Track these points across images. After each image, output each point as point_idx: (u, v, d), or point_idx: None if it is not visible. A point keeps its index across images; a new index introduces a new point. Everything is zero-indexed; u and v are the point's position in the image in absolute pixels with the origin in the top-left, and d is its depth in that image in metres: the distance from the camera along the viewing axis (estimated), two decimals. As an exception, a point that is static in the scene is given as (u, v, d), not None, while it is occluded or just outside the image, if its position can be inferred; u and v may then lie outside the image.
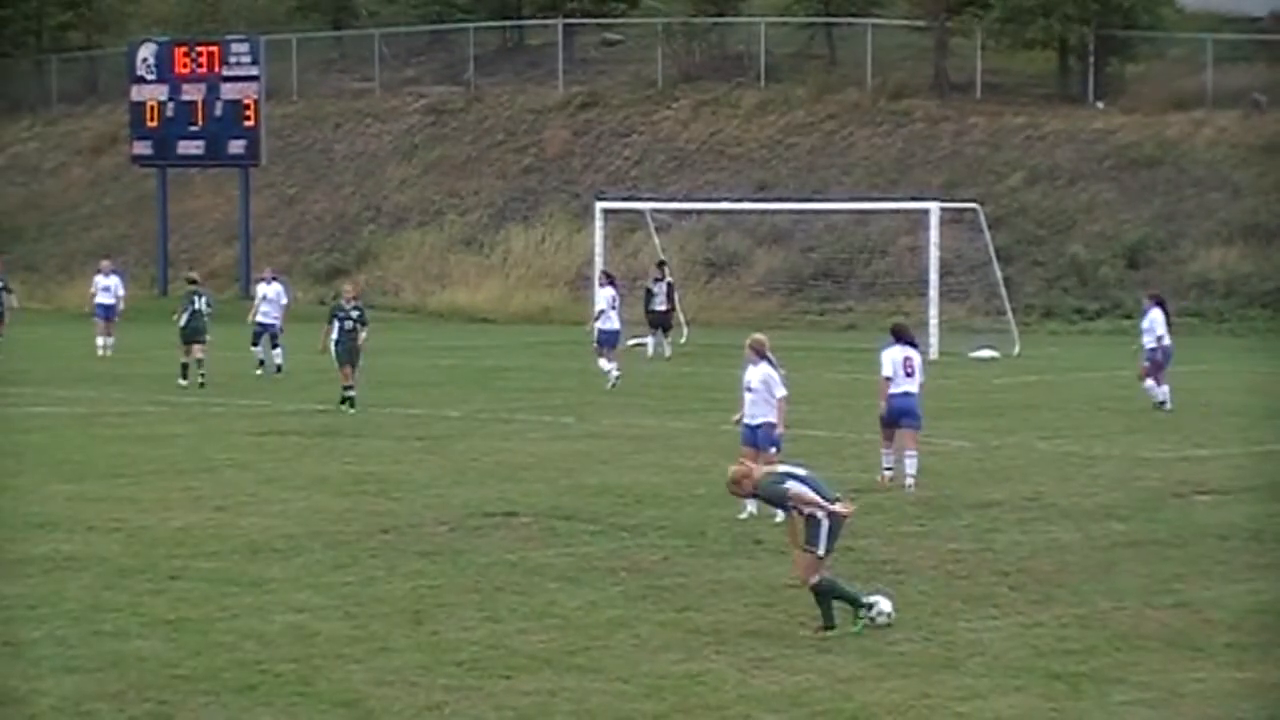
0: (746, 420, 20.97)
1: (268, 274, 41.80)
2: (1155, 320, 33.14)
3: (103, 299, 44.36)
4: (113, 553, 18.65)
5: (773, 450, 20.74)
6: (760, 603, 16.37)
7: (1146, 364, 33.00)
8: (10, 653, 14.52)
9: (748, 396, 20.95)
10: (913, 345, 23.87)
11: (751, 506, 20.79)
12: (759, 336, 21.49)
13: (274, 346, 39.52)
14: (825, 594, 15.26)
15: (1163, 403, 32.43)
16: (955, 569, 17.93)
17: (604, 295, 37.58)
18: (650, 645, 14.81)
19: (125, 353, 43.93)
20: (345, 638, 14.93)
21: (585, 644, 14.83)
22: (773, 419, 20.86)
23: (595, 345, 37.30)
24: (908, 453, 23.22)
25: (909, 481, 22.99)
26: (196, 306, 37.70)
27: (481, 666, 14.11)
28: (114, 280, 44.65)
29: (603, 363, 36.35)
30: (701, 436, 28.25)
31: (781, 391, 20.89)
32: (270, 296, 39.96)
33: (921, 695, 13.46)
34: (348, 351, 32.35)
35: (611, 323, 37.06)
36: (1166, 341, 33.09)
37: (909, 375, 23.35)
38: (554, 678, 13.86)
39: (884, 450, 23.72)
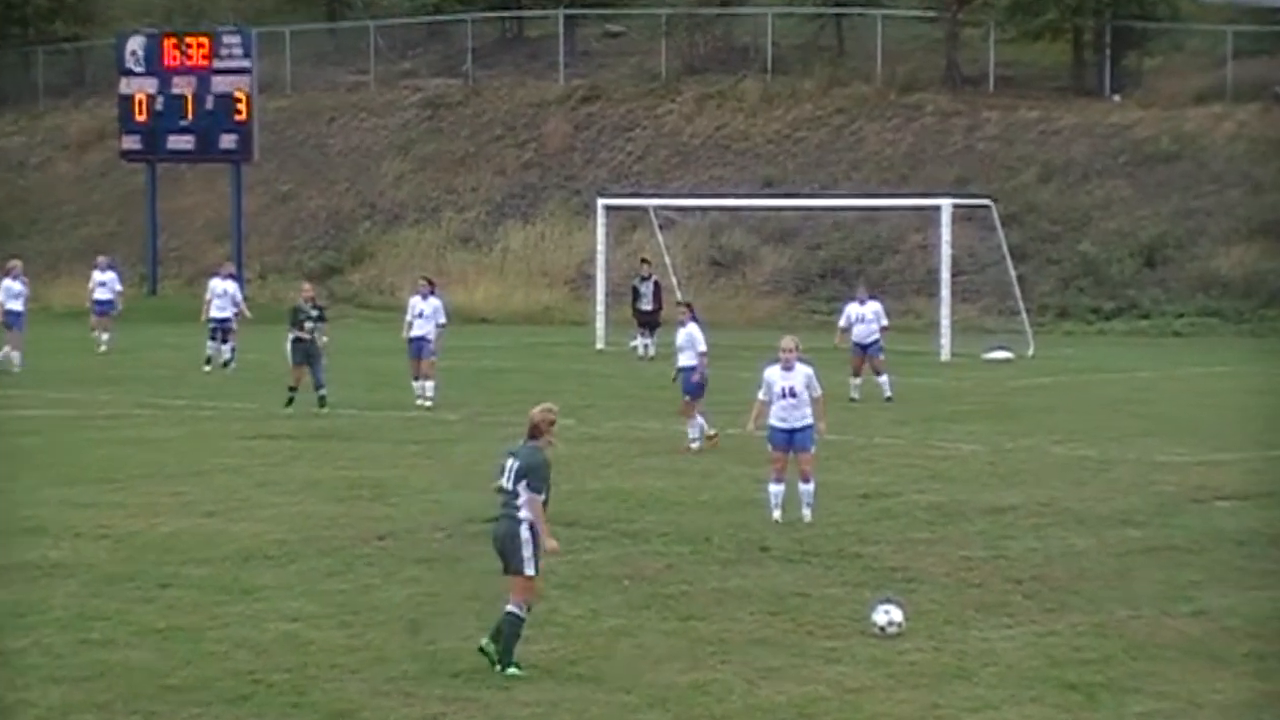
0: (785, 424, 20.91)
1: (222, 271, 43.26)
2: (878, 312, 36.31)
3: (100, 295, 45.45)
4: (100, 559, 18.67)
5: (813, 451, 20.93)
6: (767, 611, 16.38)
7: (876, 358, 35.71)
8: (-4, 662, 14.55)
9: (786, 401, 20.88)
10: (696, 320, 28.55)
11: (785, 509, 20.81)
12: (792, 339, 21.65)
13: (224, 341, 40.88)
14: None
15: (854, 399, 34.44)
16: (967, 576, 17.94)
17: (428, 305, 34.25)
18: (654, 655, 14.82)
19: (115, 354, 43.98)
20: (340, 647, 14.94)
21: (587, 653, 14.85)
22: (812, 420, 20.95)
23: (410, 359, 34.31)
24: (696, 420, 27.55)
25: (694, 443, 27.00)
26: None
27: (480, 677, 14.12)
28: (110, 276, 46.12)
29: (416, 384, 33.79)
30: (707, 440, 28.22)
31: (819, 391, 21.11)
32: (230, 292, 41.39)
33: (932, 706, 13.47)
34: (304, 353, 32.87)
35: (418, 330, 34.01)
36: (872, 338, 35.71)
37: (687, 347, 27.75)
38: (555, 688, 13.87)
39: (691, 420, 27.67)
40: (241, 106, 59.91)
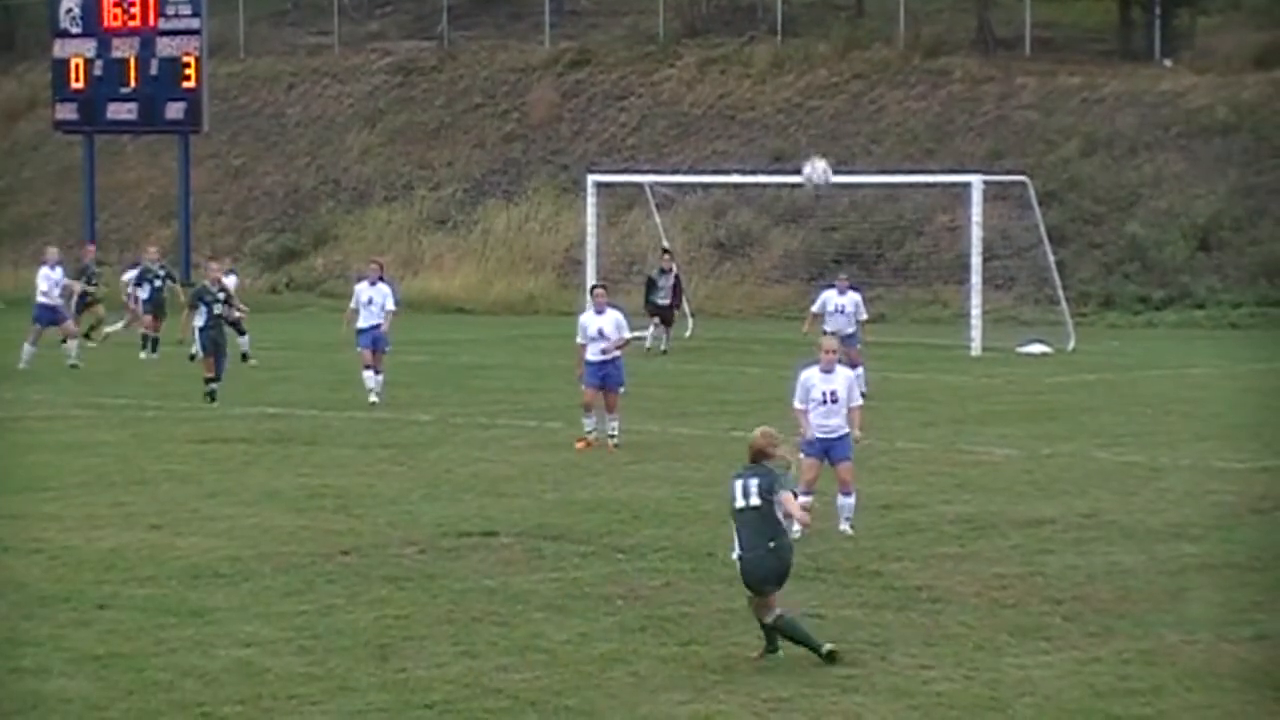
0: (824, 433, 20.95)
1: (226, 263, 43.51)
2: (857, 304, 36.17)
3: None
4: (33, 577, 18.64)
5: (851, 460, 21.17)
6: (777, 635, 16.38)
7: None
8: (-86, 693, 14.54)
9: (826, 407, 20.91)
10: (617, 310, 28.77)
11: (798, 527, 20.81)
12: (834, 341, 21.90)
13: (241, 334, 40.99)
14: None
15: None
16: (1000, 596, 17.93)
17: (378, 292, 33.83)
18: (651, 684, 14.81)
19: (48, 348, 43.93)
20: (299, 675, 14.93)
21: (576, 683, 14.83)
22: (848, 429, 21.03)
23: (361, 350, 34.04)
24: (610, 417, 28.15)
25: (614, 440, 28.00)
26: (157, 284, 43.58)
27: (455, 709, 14.10)
28: (58, 273, 46.67)
29: (368, 375, 33.59)
30: (710, 444, 28.24)
31: (859, 399, 21.37)
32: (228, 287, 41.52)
33: (962, 742, 13.47)
34: (213, 340, 33.25)
35: (367, 320, 33.71)
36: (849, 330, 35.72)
37: (603, 337, 28.14)
38: (539, 721, 13.88)
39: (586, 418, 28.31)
40: (190, 72, 59.84)
